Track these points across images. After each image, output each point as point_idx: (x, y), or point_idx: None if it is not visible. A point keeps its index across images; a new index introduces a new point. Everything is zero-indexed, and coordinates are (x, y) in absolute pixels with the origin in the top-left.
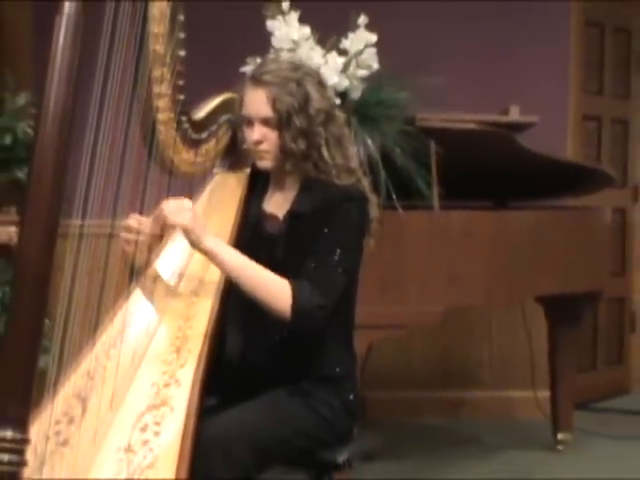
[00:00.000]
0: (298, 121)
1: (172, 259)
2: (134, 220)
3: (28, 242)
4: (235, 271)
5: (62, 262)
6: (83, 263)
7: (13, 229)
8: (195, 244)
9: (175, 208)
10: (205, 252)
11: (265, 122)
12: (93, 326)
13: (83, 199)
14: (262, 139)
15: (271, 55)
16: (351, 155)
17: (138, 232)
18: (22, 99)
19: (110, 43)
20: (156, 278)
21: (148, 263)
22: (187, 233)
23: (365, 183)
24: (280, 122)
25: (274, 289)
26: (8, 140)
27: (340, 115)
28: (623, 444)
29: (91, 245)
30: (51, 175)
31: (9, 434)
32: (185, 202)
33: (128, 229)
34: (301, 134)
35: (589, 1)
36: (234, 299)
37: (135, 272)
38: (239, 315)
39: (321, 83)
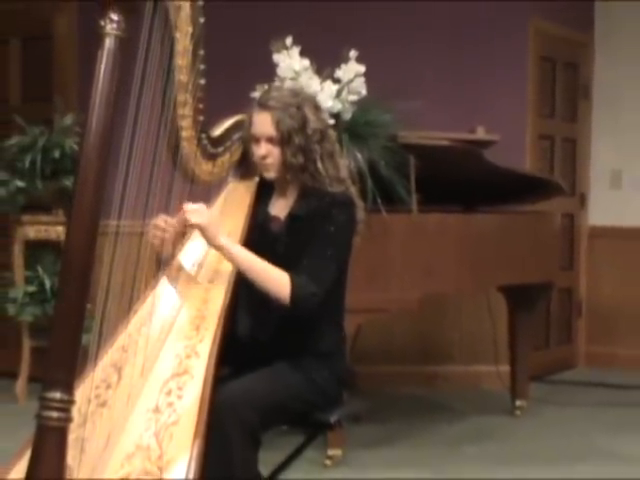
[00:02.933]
0: (297, 139)
1: (192, 253)
2: (161, 220)
3: (73, 239)
4: (243, 264)
5: (101, 256)
6: (119, 256)
7: (61, 228)
8: (210, 241)
9: (194, 210)
10: (218, 248)
11: (270, 140)
12: (127, 309)
13: (119, 203)
14: (267, 154)
15: (276, 83)
16: (342, 167)
17: (164, 230)
18: (69, 119)
19: (142, 73)
20: (179, 268)
21: (172, 256)
22: (203, 231)
23: (353, 190)
24: (282, 140)
25: (275, 280)
26: (57, 154)
27: (332, 134)
28: (570, 410)
29: (125, 241)
30: (93, 183)
31: (58, 395)
32: (201, 206)
33: (156, 227)
34: (300, 150)
35: (544, 40)
36: (244, 286)
37: (162, 263)
38: (248, 300)
39: (317, 107)
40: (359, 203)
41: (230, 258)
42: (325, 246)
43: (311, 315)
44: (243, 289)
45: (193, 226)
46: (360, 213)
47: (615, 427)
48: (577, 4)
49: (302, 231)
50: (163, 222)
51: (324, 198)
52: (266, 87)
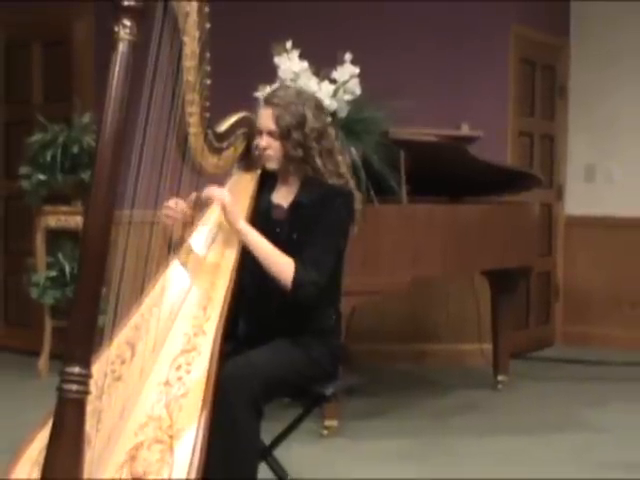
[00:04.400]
0: (295, 135)
1: (200, 239)
2: (172, 201)
3: (90, 228)
4: (257, 249)
5: (116, 243)
6: (131, 244)
7: (79, 218)
8: (231, 223)
9: (221, 191)
10: (238, 230)
11: (270, 134)
12: (139, 291)
13: (132, 194)
14: (267, 146)
15: (282, 83)
16: (341, 163)
17: (175, 210)
18: (86, 118)
19: (153, 74)
20: (188, 253)
21: (182, 240)
22: (226, 212)
23: (351, 183)
24: (282, 135)
25: (282, 265)
26: (76, 150)
27: (332, 132)
28: (547, 384)
29: (138, 230)
30: (107, 177)
31: (77, 370)
32: (225, 191)
33: (168, 208)
34: (298, 145)
35: (523, 44)
36: (249, 270)
37: (172, 246)
38: (252, 282)
39: (319, 107)
40: (357, 195)
41: (245, 240)
42: (326, 236)
43: (310, 302)
44: (248, 272)
45: (208, 205)
46: (357, 204)
47: (589, 400)
48: (554, 11)
49: (303, 219)
50: (174, 203)
51: (325, 189)
52: (271, 86)
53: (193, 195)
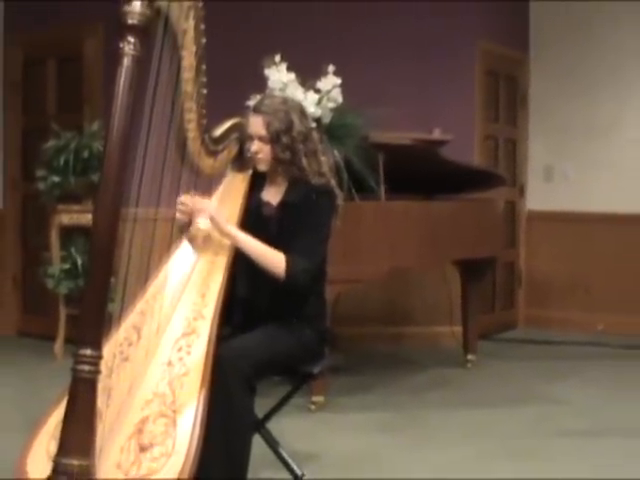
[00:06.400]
0: (284, 139)
1: (200, 234)
2: (186, 197)
3: (99, 224)
4: (247, 248)
5: (122, 238)
6: (136, 238)
7: (90, 216)
8: (220, 230)
9: (206, 203)
10: (227, 234)
11: (261, 139)
12: (144, 281)
13: (136, 194)
14: (258, 150)
15: (270, 92)
16: (323, 163)
17: (187, 206)
18: (96, 125)
19: (155, 85)
20: (188, 246)
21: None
22: (214, 222)
23: (333, 182)
24: (271, 139)
25: (273, 260)
26: (86, 154)
27: (316, 135)
28: (512, 363)
29: (142, 226)
30: (114, 178)
31: (89, 352)
32: (210, 202)
33: (181, 203)
34: (287, 148)
35: (488, 58)
36: (243, 260)
37: (187, 238)
38: (247, 271)
39: (303, 113)
40: (339, 193)
41: (235, 242)
42: (313, 229)
43: (303, 290)
44: (243, 262)
45: (210, 218)
46: (339, 201)
47: (549, 376)
48: (516, 28)
49: (291, 215)
50: (187, 199)
51: (310, 188)
52: (262, 95)
53: (193, 194)
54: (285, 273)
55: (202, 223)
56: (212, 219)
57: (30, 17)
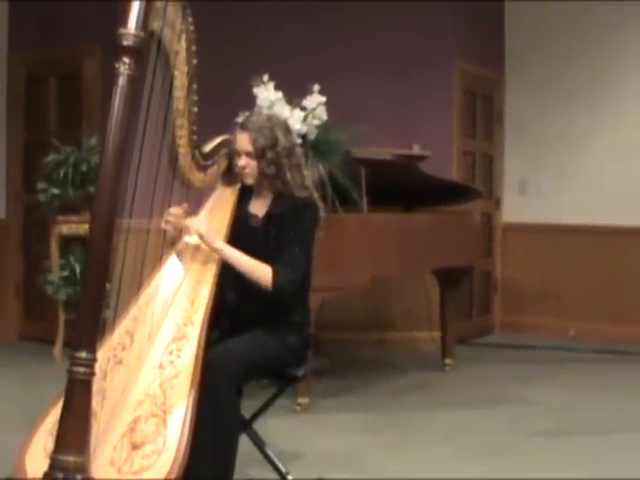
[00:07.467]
0: (269, 154)
1: (189, 245)
2: (175, 209)
3: (95, 234)
4: (235, 262)
5: (117, 247)
6: (130, 248)
7: (86, 226)
8: (210, 246)
9: (196, 222)
10: (215, 250)
11: (248, 154)
12: (137, 288)
13: (130, 205)
14: (246, 165)
15: (256, 110)
16: (307, 177)
17: (176, 216)
18: (94, 140)
19: (148, 103)
20: (179, 257)
21: (177, 244)
22: (204, 240)
23: (316, 195)
24: (257, 155)
25: (260, 272)
26: (85, 168)
27: (300, 150)
28: (487, 366)
29: (135, 236)
30: (109, 190)
31: (84, 355)
32: (200, 219)
33: (169, 215)
34: (272, 163)
35: (466, 77)
36: (231, 269)
37: (173, 248)
38: (235, 279)
39: (287, 129)
40: (321, 205)
41: (223, 256)
42: (298, 241)
43: (289, 299)
44: (230, 272)
45: (199, 236)
46: (322, 213)
47: (523, 379)
48: (492, 49)
49: (276, 226)
50: (174, 211)
51: (294, 201)
52: (248, 113)
53: (185, 205)
54: (272, 284)
55: (192, 239)
56: (201, 238)
57: (33, 38)
